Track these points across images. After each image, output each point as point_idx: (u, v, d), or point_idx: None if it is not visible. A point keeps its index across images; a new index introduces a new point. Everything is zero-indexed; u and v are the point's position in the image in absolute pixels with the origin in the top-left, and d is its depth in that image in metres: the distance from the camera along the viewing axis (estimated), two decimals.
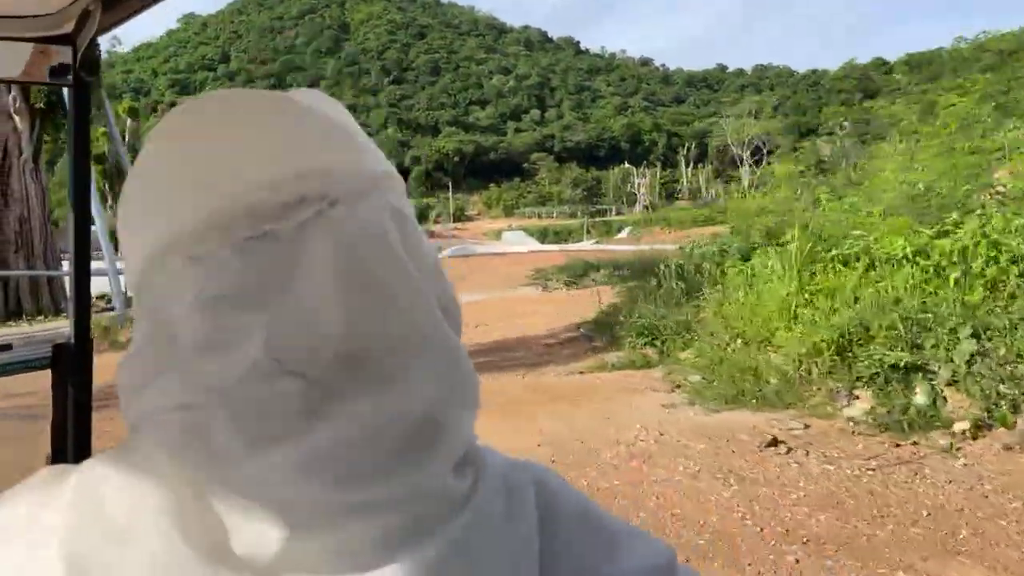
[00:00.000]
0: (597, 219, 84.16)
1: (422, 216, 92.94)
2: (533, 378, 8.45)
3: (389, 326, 0.45)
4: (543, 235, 74.86)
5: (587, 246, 59.09)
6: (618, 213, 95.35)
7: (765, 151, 69.61)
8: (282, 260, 0.44)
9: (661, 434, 5.87)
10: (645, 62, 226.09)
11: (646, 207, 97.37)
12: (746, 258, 9.41)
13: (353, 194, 0.47)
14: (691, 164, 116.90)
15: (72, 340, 1.30)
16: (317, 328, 0.44)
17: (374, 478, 0.43)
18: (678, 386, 7.39)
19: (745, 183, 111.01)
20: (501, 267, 34.24)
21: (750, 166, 67.27)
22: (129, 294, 0.44)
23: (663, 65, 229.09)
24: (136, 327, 0.48)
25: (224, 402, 0.43)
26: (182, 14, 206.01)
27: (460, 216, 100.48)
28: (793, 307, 7.18)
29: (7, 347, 1.37)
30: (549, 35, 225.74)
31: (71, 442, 1.28)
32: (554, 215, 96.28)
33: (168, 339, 0.45)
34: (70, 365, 1.30)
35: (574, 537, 0.51)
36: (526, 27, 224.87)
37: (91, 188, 1.32)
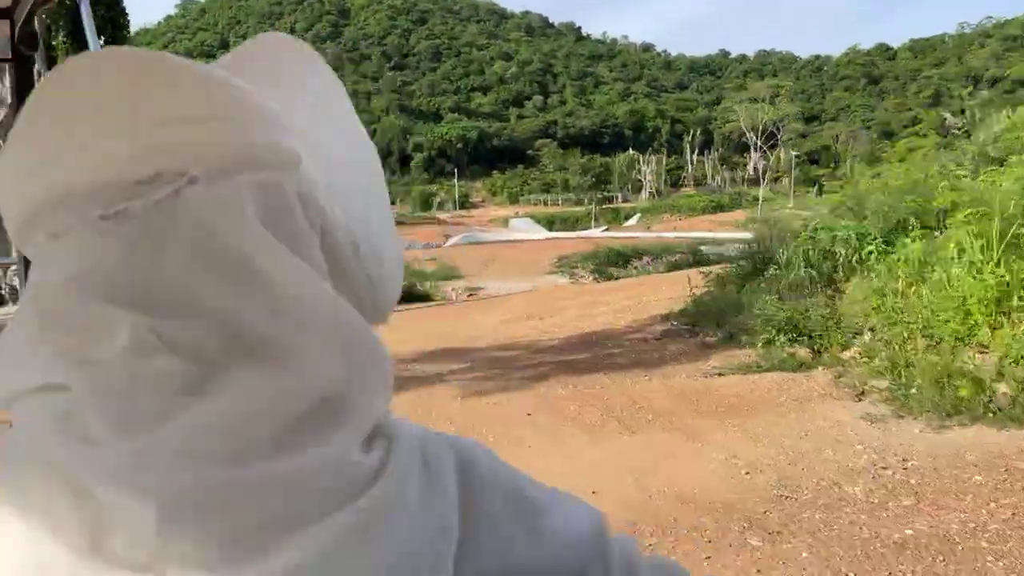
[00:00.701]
0: (604, 206, 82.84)
1: (426, 203, 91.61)
2: (660, 380, 7.34)
3: (265, 303, 0.42)
4: (550, 222, 73.78)
5: (597, 233, 57.96)
6: (624, 200, 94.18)
7: (780, 137, 68.13)
8: (142, 240, 0.41)
9: (904, 460, 4.74)
10: (647, 48, 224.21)
11: (652, 194, 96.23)
12: (887, 243, 8.21)
13: (214, 171, 0.43)
14: (696, 151, 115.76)
15: None
16: (189, 308, 0.41)
17: (267, 454, 0.40)
18: (862, 393, 6.26)
19: (750, 169, 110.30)
20: (519, 255, 33.06)
21: (764, 151, 65.80)
22: None
23: (665, 51, 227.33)
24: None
25: (95, 381, 0.41)
26: (180, 0, 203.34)
27: (464, 203, 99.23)
28: (1004, 299, 6.04)
29: None
30: (550, 20, 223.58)
31: None
32: (560, 202, 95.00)
33: (39, 315, 0.43)
34: None
35: (498, 514, 0.48)
36: (527, 12, 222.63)
37: None
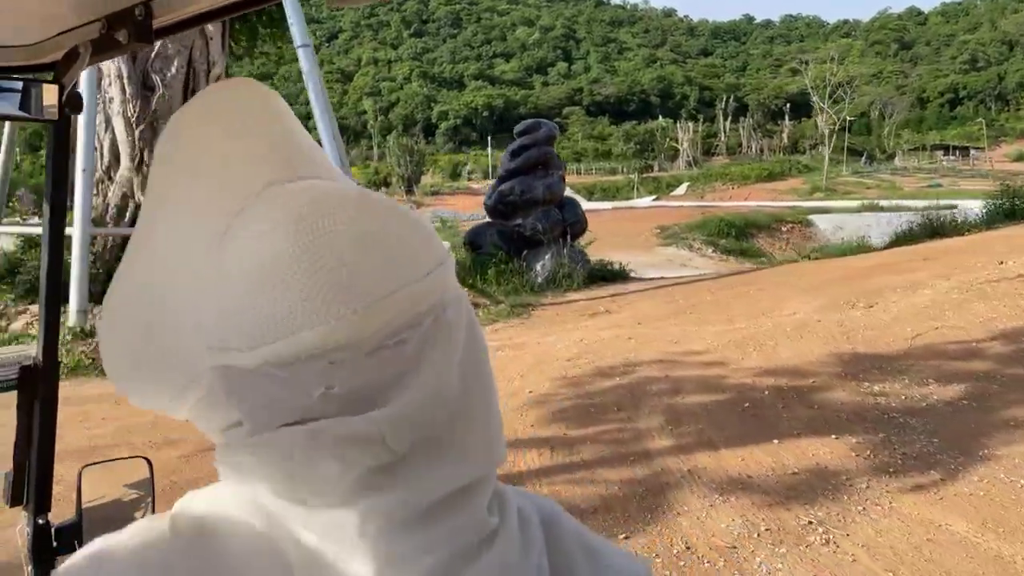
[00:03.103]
0: (644, 175, 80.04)
1: (455, 173, 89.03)
2: None
3: (455, 407, 0.53)
4: (589, 192, 71.05)
5: (646, 202, 55.37)
6: (660, 169, 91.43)
7: (848, 99, 64.91)
8: (406, 362, 0.51)
9: None
10: (668, 13, 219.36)
11: (689, 163, 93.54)
12: None
13: (455, 297, 0.55)
14: (729, 118, 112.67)
15: (39, 361, 1.34)
16: (418, 411, 0.51)
17: (431, 524, 0.51)
18: None
19: (785, 137, 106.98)
20: (602, 225, 30.36)
21: (833, 115, 62.66)
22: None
23: (687, 16, 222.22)
24: (233, 393, 0.52)
25: (335, 454, 0.49)
26: None
27: (491, 173, 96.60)
28: None
29: None
30: None
31: (34, 460, 1.32)
32: (593, 171, 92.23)
33: (282, 406, 0.50)
34: (36, 386, 1.33)
35: (573, 557, 0.61)
36: None
37: (65, 218, 1.34)
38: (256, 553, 0.52)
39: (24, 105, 1.20)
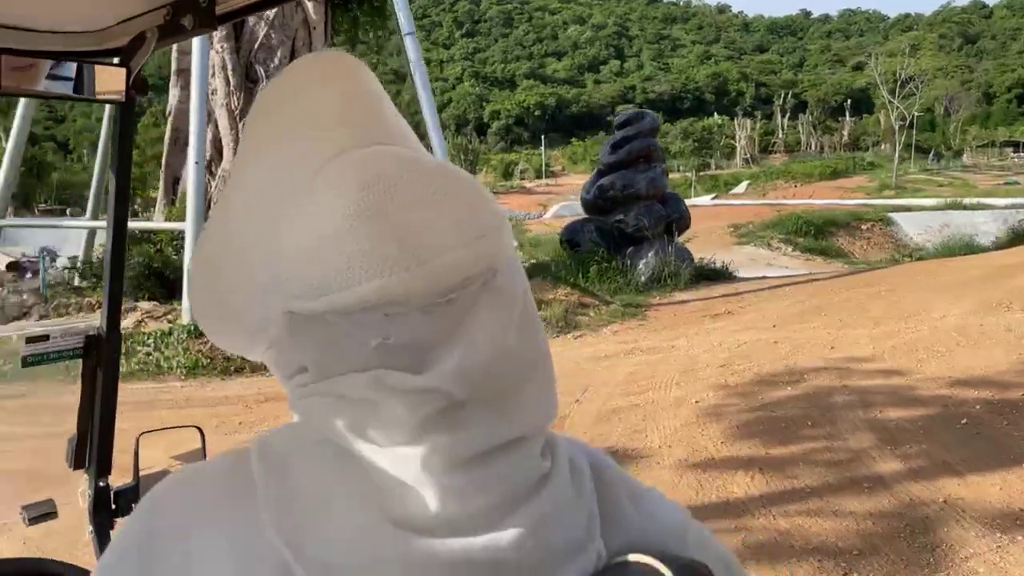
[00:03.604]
0: (701, 173, 78.34)
1: (507, 172, 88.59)
2: None
3: (529, 364, 0.60)
4: None
5: (706, 200, 54.08)
6: (716, 167, 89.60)
7: (918, 93, 62.54)
8: (455, 319, 0.56)
9: None
10: (722, 9, 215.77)
11: (746, 160, 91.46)
12: None
13: (507, 264, 0.60)
14: (787, 115, 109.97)
15: (103, 331, 1.40)
16: (471, 368, 0.55)
17: (487, 465, 0.56)
18: None
19: (846, 134, 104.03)
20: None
21: (903, 110, 60.49)
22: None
23: (741, 12, 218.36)
24: (296, 338, 0.58)
25: (401, 400, 0.54)
26: None
27: (544, 172, 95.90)
28: None
29: (44, 338, 1.43)
30: None
31: (96, 426, 1.40)
32: None
33: (344, 354, 0.56)
34: (100, 355, 1.40)
35: (620, 502, 0.65)
36: None
37: (129, 198, 1.40)
38: (328, 482, 0.56)
39: (78, 87, 1.21)
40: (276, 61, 11.39)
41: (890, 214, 30.17)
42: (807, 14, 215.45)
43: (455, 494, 0.55)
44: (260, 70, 11.36)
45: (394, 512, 0.55)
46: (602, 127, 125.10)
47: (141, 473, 1.39)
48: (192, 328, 8.91)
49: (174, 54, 12.41)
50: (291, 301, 0.57)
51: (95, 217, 13.21)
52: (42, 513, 1.47)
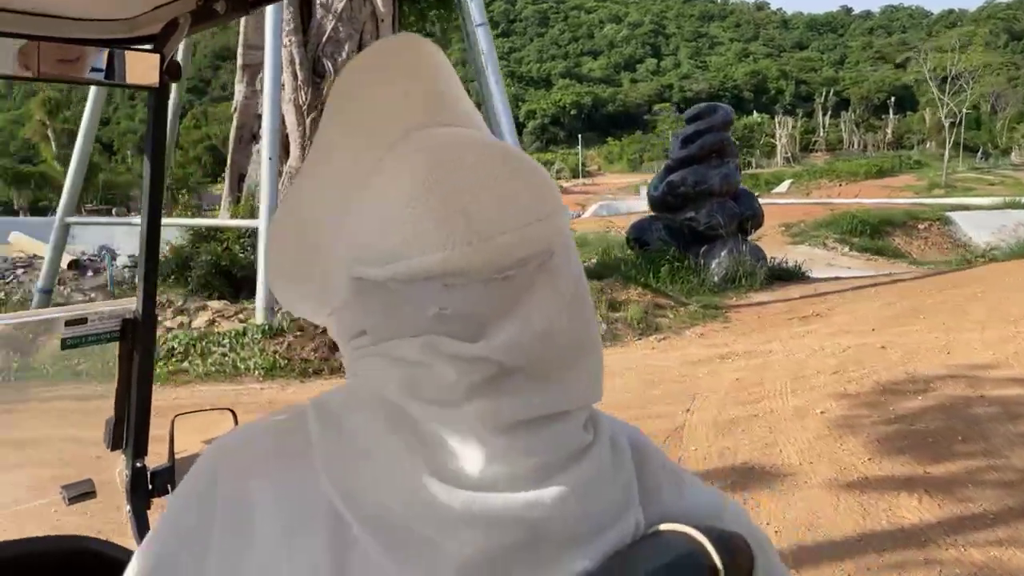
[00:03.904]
0: (743, 172, 76.79)
1: None
2: None
3: (579, 344, 0.62)
4: None
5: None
6: (757, 166, 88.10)
7: (968, 90, 60.77)
8: (511, 296, 0.59)
9: None
10: (760, 6, 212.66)
11: (787, 159, 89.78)
12: None
13: (563, 246, 0.63)
14: (828, 113, 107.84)
15: (139, 314, 1.42)
16: (522, 344, 0.58)
17: (532, 432, 0.59)
18: None
19: (889, 132, 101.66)
20: None
21: (954, 107, 58.79)
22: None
23: (780, 9, 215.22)
24: (359, 305, 0.62)
25: (453, 365, 0.58)
26: None
27: (580, 172, 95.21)
28: None
29: (83, 320, 1.43)
30: None
31: (133, 407, 1.44)
32: None
33: (402, 319, 0.60)
34: (136, 338, 1.42)
35: (657, 476, 0.69)
36: None
37: (164, 181, 1.41)
38: (380, 438, 0.59)
39: (112, 74, 1.23)
40: (344, 55, 11.11)
41: (947, 213, 29.17)
42: (848, 10, 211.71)
43: (501, 455, 0.58)
44: (328, 64, 11.08)
45: (442, 468, 0.58)
46: (639, 126, 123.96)
47: (176, 456, 1.42)
48: (266, 328, 8.66)
49: (240, 49, 12.22)
50: (357, 268, 0.61)
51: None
52: (81, 493, 1.50)
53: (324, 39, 11.05)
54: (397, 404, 0.60)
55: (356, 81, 0.67)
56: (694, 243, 12.93)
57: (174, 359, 8.15)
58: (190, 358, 8.16)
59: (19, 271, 14.15)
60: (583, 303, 0.64)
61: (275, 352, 8.22)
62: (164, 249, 11.70)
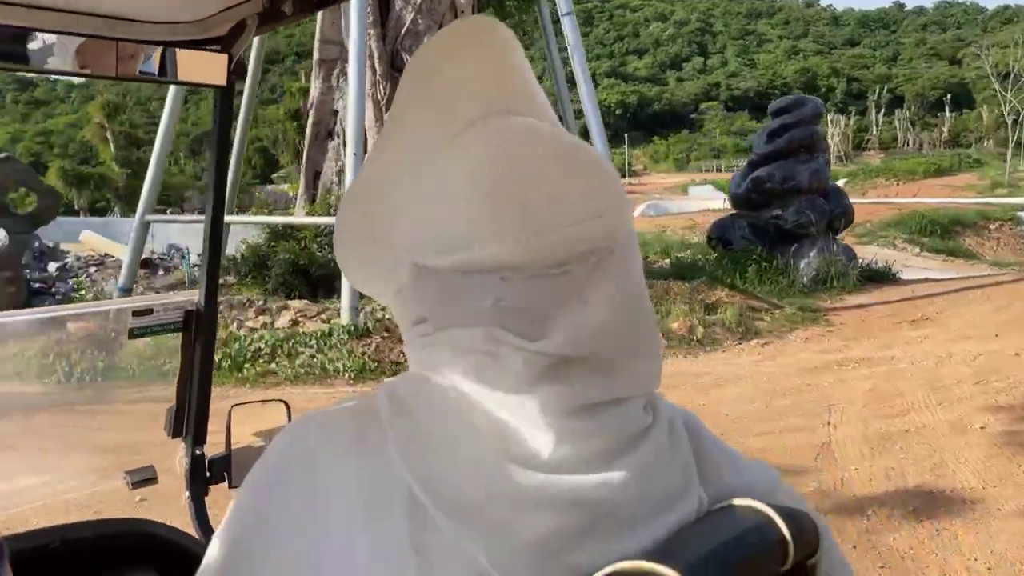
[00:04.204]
0: None
1: None
2: None
3: (639, 338, 0.63)
4: None
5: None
6: None
7: None
8: (569, 290, 0.59)
9: None
10: (810, 3, 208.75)
11: (839, 158, 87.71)
12: None
13: (624, 242, 0.63)
14: (882, 111, 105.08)
15: (201, 306, 1.46)
16: (582, 340, 0.59)
17: (596, 415, 0.60)
18: None
19: (946, 130, 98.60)
20: None
21: (1015, 103, 56.56)
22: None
23: (830, 5, 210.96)
24: (417, 293, 0.63)
25: (518, 355, 0.59)
26: None
27: (627, 171, 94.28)
28: None
29: (148, 311, 1.47)
30: None
31: (193, 396, 1.48)
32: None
33: (461, 309, 0.60)
34: (198, 328, 1.45)
35: (713, 456, 0.70)
36: None
37: (228, 174, 1.47)
38: (450, 422, 0.60)
39: (179, 73, 1.26)
40: None
41: (1019, 213, 27.92)
42: (900, 6, 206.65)
43: (567, 437, 0.59)
44: (407, 58, 10.78)
45: (511, 450, 0.59)
46: (685, 125, 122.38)
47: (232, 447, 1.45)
48: (352, 329, 8.36)
49: (316, 44, 12.00)
50: (418, 254, 0.61)
51: (230, 213, 12.92)
52: (144, 478, 1.52)
53: (403, 32, 10.77)
54: (464, 390, 0.61)
55: (431, 60, 0.66)
56: (781, 242, 12.34)
57: (261, 360, 7.89)
58: (277, 359, 7.90)
59: (92, 269, 14.16)
60: (641, 298, 0.64)
61: (363, 353, 7.92)
62: (240, 248, 11.53)
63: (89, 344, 8.32)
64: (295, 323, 8.97)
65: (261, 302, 9.61)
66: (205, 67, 1.28)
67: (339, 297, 9.70)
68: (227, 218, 12.61)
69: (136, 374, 7.25)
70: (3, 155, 14.10)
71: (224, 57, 1.28)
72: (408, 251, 0.63)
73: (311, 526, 0.60)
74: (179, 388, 1.50)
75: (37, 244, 14.26)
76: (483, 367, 0.60)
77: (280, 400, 1.49)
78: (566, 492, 0.58)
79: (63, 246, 15.63)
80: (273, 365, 7.81)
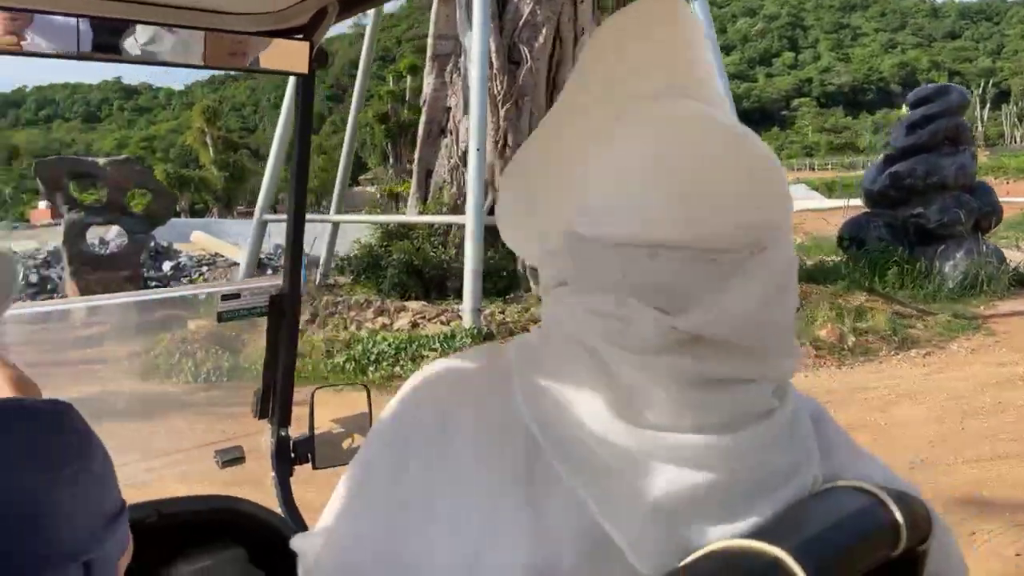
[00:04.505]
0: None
1: None
2: None
3: (776, 335, 0.62)
4: (829, 188, 64.56)
5: None
6: None
7: None
8: (716, 276, 0.58)
9: None
10: None
11: None
12: None
13: (778, 239, 0.61)
14: (988, 105, 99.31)
15: (285, 290, 1.52)
16: (720, 323, 0.58)
17: (719, 390, 0.60)
18: None
19: None
20: None
21: None
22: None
23: None
24: (563, 259, 0.65)
25: (652, 323, 0.59)
26: None
27: None
28: None
29: (236, 296, 1.55)
30: None
31: (279, 378, 1.54)
32: (829, 166, 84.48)
33: (603, 277, 0.61)
34: (283, 312, 1.51)
35: (835, 443, 0.70)
36: None
37: (308, 167, 1.49)
38: (575, 376, 0.62)
39: (262, 61, 1.31)
40: (540, 40, 10.38)
41: None
42: None
43: (689, 405, 0.59)
44: (524, 50, 10.37)
45: (630, 409, 0.60)
46: (776, 122, 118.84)
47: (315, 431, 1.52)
48: (474, 332, 8.01)
49: (430, 40, 11.73)
50: (571, 222, 0.63)
51: (339, 212, 12.81)
52: (233, 458, 1.60)
53: (520, 23, 10.36)
54: (594, 347, 0.61)
55: (614, 38, 0.67)
56: (922, 242, 11.37)
57: (385, 363, 7.61)
58: (401, 363, 7.60)
59: (204, 268, 14.33)
60: (786, 296, 0.62)
61: None
62: (353, 247, 11.36)
63: (213, 343, 8.24)
64: (414, 325, 8.67)
65: (378, 303, 9.37)
66: (287, 56, 1.30)
67: (455, 298, 9.39)
68: (338, 217, 12.54)
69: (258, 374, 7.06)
70: (122, 157, 14.43)
71: (305, 45, 1.30)
72: (563, 217, 0.64)
73: (430, 452, 0.64)
74: (265, 371, 1.55)
75: (152, 244, 14.53)
76: (613, 331, 0.60)
77: (363, 385, 1.55)
78: (678, 455, 0.58)
79: (175, 246, 15.93)
80: (398, 368, 7.51)
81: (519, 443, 0.62)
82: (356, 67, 13.77)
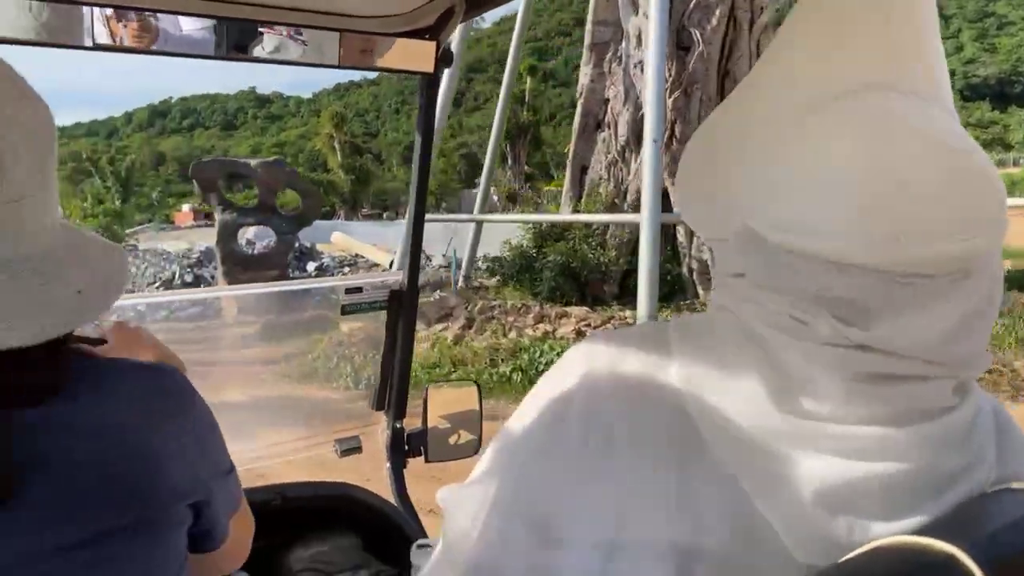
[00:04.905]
0: None
1: None
2: None
3: (965, 357, 0.58)
4: None
5: None
6: None
7: None
8: (907, 300, 0.54)
9: None
10: None
11: None
12: None
13: (983, 269, 0.56)
14: None
15: (403, 286, 1.58)
16: (903, 343, 0.55)
17: (890, 385, 0.56)
18: None
19: None
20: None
21: None
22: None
23: None
24: (738, 261, 0.62)
25: (828, 326, 0.55)
26: None
27: None
28: None
29: (359, 290, 1.58)
30: None
31: (396, 372, 1.61)
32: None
33: (782, 281, 0.58)
34: (401, 306, 1.59)
35: (1015, 446, 0.65)
36: None
37: (430, 165, 1.52)
38: (734, 356, 0.61)
39: (400, 61, 1.37)
40: (712, 23, 9.53)
41: None
42: None
43: (856, 399, 0.55)
44: (695, 34, 9.54)
45: (792, 395, 0.57)
46: None
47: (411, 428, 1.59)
48: None
49: (588, 27, 11.07)
50: (752, 219, 0.59)
51: (482, 212, 12.35)
52: (350, 447, 1.65)
53: (691, 5, 9.53)
54: (762, 336, 0.59)
55: (815, 18, 0.59)
56: None
57: None
58: None
59: (346, 269, 14.24)
60: (985, 320, 0.57)
61: None
62: (503, 249, 10.85)
63: (370, 347, 7.88)
64: (579, 333, 8.02)
65: (536, 308, 8.78)
66: (414, 55, 1.34)
67: (615, 302, 8.68)
68: (488, 216, 12.11)
69: (422, 380, 6.61)
70: (272, 158, 14.55)
71: (432, 45, 1.34)
72: (743, 211, 0.59)
73: (590, 434, 0.62)
74: (383, 364, 1.62)
75: (297, 244, 14.59)
76: (786, 326, 0.57)
77: (473, 381, 1.70)
78: (843, 445, 0.55)
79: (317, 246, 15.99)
80: None
81: (674, 420, 0.60)
82: (472, 71, 13.30)
